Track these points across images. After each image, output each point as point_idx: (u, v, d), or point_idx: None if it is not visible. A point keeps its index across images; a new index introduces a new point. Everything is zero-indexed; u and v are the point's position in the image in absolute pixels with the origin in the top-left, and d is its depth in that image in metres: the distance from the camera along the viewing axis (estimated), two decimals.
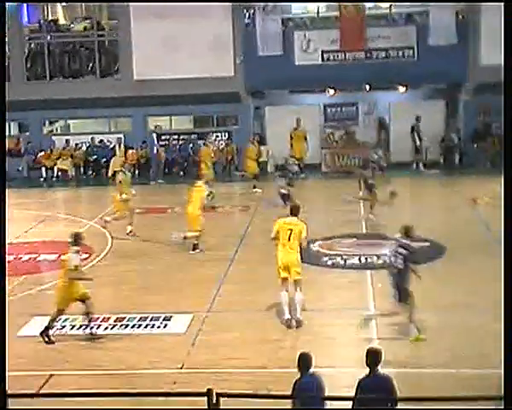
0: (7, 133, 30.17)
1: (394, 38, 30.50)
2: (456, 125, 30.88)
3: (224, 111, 32.07)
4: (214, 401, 8.50)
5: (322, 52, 30.52)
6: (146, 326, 14.45)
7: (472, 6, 30.18)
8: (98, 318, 14.65)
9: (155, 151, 31.21)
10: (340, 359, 12.77)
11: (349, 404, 8.72)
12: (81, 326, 14.36)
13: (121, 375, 12.30)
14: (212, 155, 28.15)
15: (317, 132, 31.42)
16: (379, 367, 9.16)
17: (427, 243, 19.37)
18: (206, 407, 8.54)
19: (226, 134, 32.02)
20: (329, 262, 18.35)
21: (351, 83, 30.55)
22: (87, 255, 19.71)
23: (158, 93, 30.29)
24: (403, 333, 13.52)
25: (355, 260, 18.36)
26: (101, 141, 32.09)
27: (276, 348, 13.24)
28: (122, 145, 31.66)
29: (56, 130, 33.79)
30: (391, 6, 32.08)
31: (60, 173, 31.59)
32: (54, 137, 32.67)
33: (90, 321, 13.93)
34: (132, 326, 14.49)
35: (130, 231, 21.48)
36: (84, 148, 31.95)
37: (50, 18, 35.25)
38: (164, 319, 14.67)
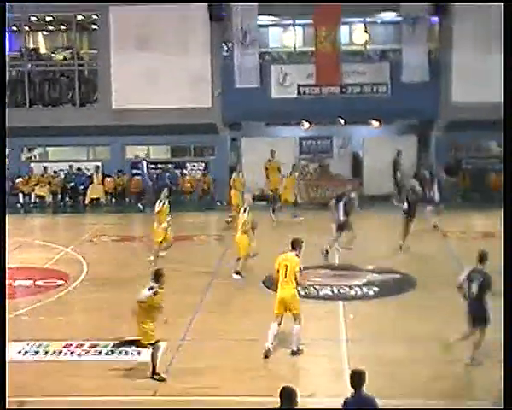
0: None
1: (369, 74, 30.67)
2: (428, 160, 31.01)
3: (201, 141, 32.05)
4: None
5: (299, 86, 30.61)
6: (119, 353, 14.29)
7: (444, 45, 30.42)
8: (72, 344, 14.50)
9: (146, 178, 31.04)
10: (312, 389, 12.66)
11: None
12: (54, 352, 14.18)
13: (95, 402, 12.10)
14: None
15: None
16: (363, 388, 9.16)
17: (397, 275, 19.42)
18: None
19: (203, 164, 31.99)
20: (303, 292, 18.24)
21: (326, 117, 30.65)
22: (62, 282, 19.57)
23: (136, 123, 30.22)
24: (374, 363, 13.47)
25: (328, 291, 18.32)
26: (78, 168, 31.91)
27: (248, 377, 13.11)
28: (100, 173, 31.53)
29: (35, 157, 33.56)
30: (366, 43, 32.37)
31: (37, 200, 31.37)
32: (32, 164, 32.45)
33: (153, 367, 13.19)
34: (106, 353, 14.33)
35: (158, 257, 20.93)
36: (61, 175, 31.76)
37: (31, 46, 35.22)
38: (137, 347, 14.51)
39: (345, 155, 31.87)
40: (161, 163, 32.02)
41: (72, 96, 32.58)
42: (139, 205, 30.25)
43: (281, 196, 27.56)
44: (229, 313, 16.72)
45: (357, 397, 9.12)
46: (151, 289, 13.23)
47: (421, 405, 11.75)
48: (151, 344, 13.13)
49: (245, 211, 19.95)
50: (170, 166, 31.78)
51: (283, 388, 9.01)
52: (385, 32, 33.80)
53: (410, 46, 30.03)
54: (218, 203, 30.73)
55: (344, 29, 31.58)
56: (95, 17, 32.06)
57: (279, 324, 14.26)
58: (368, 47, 32.58)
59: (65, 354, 14.32)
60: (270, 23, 32.93)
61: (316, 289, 18.46)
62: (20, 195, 31.20)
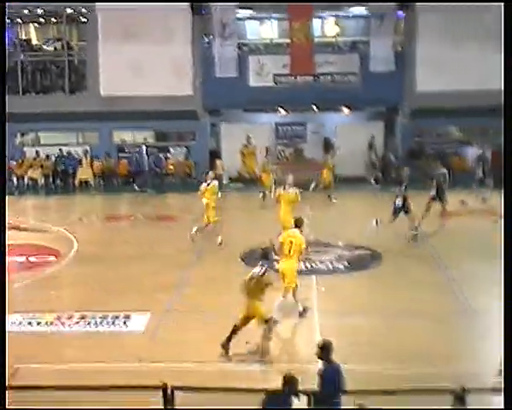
0: None
1: (339, 65, 30.64)
2: (394, 144, 31.11)
3: (183, 127, 31.96)
4: (169, 394, 8.42)
5: (274, 75, 30.55)
6: (107, 324, 14.29)
7: (409, 38, 30.45)
8: (62, 316, 14.50)
9: (145, 162, 30.90)
10: (287, 355, 12.73)
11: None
12: (47, 323, 14.18)
13: (83, 370, 12.10)
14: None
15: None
16: (332, 357, 9.24)
17: (366, 251, 19.52)
18: (162, 400, 8.47)
19: (185, 148, 31.94)
20: (277, 267, 18.25)
21: (300, 104, 30.66)
22: (54, 258, 19.51)
23: (122, 109, 30.06)
24: (344, 332, 13.56)
25: (301, 266, 18.31)
26: (69, 152, 31.75)
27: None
28: (88, 156, 31.44)
29: (27, 141, 33.31)
30: (337, 35, 32.41)
31: (30, 182, 31.18)
32: (25, 148, 32.22)
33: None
34: (94, 324, 14.33)
35: (221, 243, 20.46)
36: (53, 158, 31.59)
37: (24, 38, 34.95)
38: (124, 318, 14.53)
39: (318, 140, 31.90)
40: (147, 147, 31.86)
41: (62, 85, 32.33)
42: (135, 186, 30.24)
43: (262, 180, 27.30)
44: (211, 287, 16.72)
45: (329, 366, 9.16)
46: (262, 266, 12.77)
47: (389, 369, 11.80)
48: (265, 321, 12.63)
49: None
50: (154, 149, 31.68)
51: (285, 375, 8.86)
52: (354, 26, 33.77)
53: (377, 38, 30.04)
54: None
55: (316, 22, 31.51)
56: (84, 11, 31.84)
57: (283, 296, 14.44)
58: (339, 39, 32.64)
59: (56, 324, 14.30)
60: (248, 17, 32.81)
61: None
62: (14, 178, 31.00)
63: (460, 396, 8.30)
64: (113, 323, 14.30)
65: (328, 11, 32.16)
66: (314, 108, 31.36)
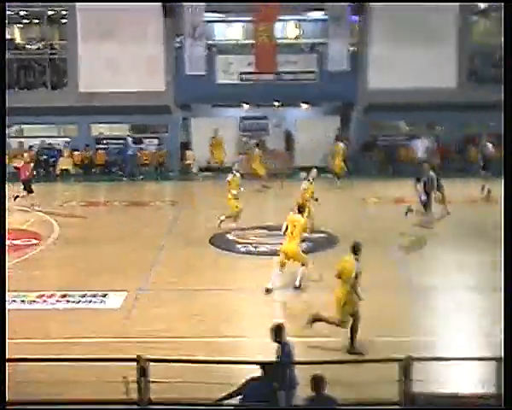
0: None
1: (300, 64, 30.63)
2: (349, 137, 31.22)
3: (156, 121, 31.75)
4: (143, 366, 8.40)
5: (240, 73, 30.46)
6: (86, 302, 14.20)
7: (363, 40, 30.56)
8: (45, 294, 14.39)
9: (131, 153, 30.60)
10: (252, 330, 12.75)
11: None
12: (30, 302, 14.08)
13: (62, 343, 12.00)
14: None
15: (235, 141, 31.38)
16: (284, 339, 9.22)
17: (324, 235, 19.58)
18: (137, 371, 8.44)
19: (158, 140, 31.76)
20: (243, 249, 18.33)
21: (263, 100, 30.63)
22: (37, 241, 19.32)
23: (100, 104, 29.80)
24: (302, 307, 13.63)
25: (264, 248, 18.36)
26: (50, 144, 31.47)
27: (196, 320, 13.12)
28: (69, 148, 31.23)
29: (12, 133, 32.87)
30: (298, 37, 32.46)
31: (14, 170, 30.76)
32: (9, 140, 31.78)
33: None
34: (73, 302, 14.23)
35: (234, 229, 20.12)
36: (35, 149, 31.25)
37: (8, 37, 34.41)
38: (101, 296, 14.45)
39: (279, 133, 31.93)
40: (122, 139, 31.62)
41: (44, 81, 31.97)
42: (120, 173, 30.17)
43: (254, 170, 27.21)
44: (181, 267, 16.69)
45: (283, 345, 9.16)
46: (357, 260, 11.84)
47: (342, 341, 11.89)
48: (352, 315, 11.83)
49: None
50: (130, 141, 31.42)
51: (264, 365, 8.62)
52: (314, 28, 33.77)
53: (334, 40, 30.10)
54: (171, 174, 30.65)
55: (279, 25, 31.51)
56: (64, 12, 31.47)
57: (281, 270, 14.71)
58: (299, 41, 32.69)
59: (38, 302, 14.18)
60: (217, 19, 32.65)
61: (254, 246, 18.50)
62: None
63: (406, 365, 8.38)
64: (92, 301, 14.21)
65: (290, 15, 32.14)
66: (276, 103, 31.35)
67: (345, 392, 9.04)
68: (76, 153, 31.19)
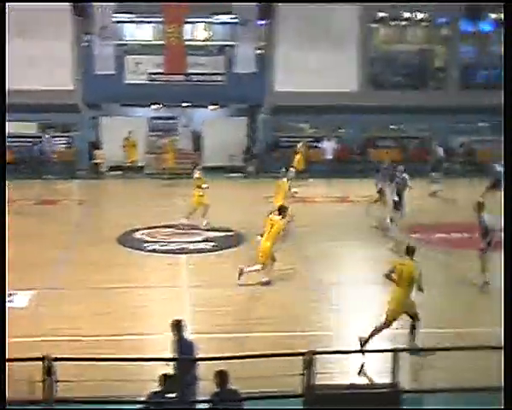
0: None
1: (208, 66, 30.69)
2: (256, 138, 31.51)
3: (65, 119, 31.11)
4: (49, 365, 8.26)
5: (149, 74, 30.23)
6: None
7: (269, 43, 30.94)
8: None
9: (39, 151, 29.81)
10: (158, 326, 12.70)
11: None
12: None
13: None
14: None
15: (144, 140, 31.12)
16: (184, 333, 9.25)
17: (231, 233, 19.70)
18: (43, 370, 8.30)
19: (68, 138, 31.18)
20: (150, 248, 18.23)
21: (172, 100, 30.51)
22: None
23: (11, 102, 28.88)
24: (210, 303, 13.70)
25: (172, 246, 18.34)
26: None
27: (106, 319, 13.01)
28: None
29: None
30: (206, 39, 32.49)
31: None
32: None
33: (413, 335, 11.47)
34: None
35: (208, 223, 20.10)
36: None
37: None
38: (8, 295, 14.06)
39: (188, 133, 31.90)
40: (32, 137, 30.82)
41: None
42: (29, 172, 29.36)
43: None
44: (88, 265, 16.45)
45: (183, 340, 9.19)
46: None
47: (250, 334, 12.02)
48: (411, 317, 11.53)
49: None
50: (39, 139, 30.70)
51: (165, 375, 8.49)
52: (222, 31, 33.86)
53: (242, 43, 30.31)
54: (80, 172, 30.13)
55: (188, 27, 31.45)
56: None
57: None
58: (208, 43, 32.71)
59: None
60: (126, 20, 32.29)
61: (162, 245, 18.44)
62: None
63: (310, 359, 8.56)
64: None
65: (199, 17, 32.12)
66: (185, 104, 31.28)
67: (249, 386, 9.15)
68: None
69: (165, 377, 8.27)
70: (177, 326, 9.25)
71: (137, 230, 19.69)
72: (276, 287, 14.86)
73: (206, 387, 8.64)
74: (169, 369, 8.61)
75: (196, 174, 20.85)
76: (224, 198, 23.78)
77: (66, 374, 8.36)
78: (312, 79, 29.73)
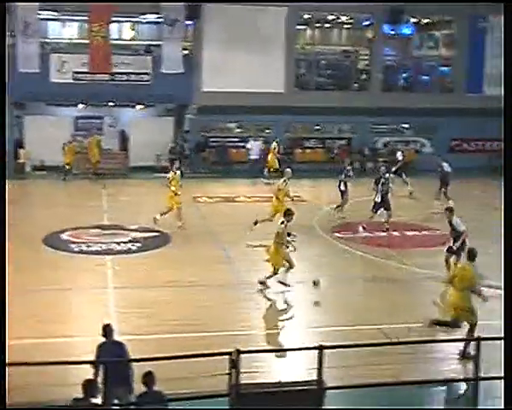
0: None
1: (135, 65, 30.34)
2: (183, 138, 31.39)
3: None
4: None
5: (74, 72, 29.71)
6: None
7: (197, 44, 30.93)
8: None
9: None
10: (83, 329, 12.56)
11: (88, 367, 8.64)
12: None
13: None
14: None
15: (70, 140, 30.56)
16: (113, 337, 9.16)
17: (157, 234, 19.56)
18: None
19: None
20: (76, 249, 17.97)
21: (98, 100, 30.04)
22: None
23: None
24: (135, 305, 13.62)
25: (98, 247, 18.10)
26: None
27: (33, 321, 12.74)
28: None
29: None
30: (133, 38, 32.21)
31: None
32: None
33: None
34: None
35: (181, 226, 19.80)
36: None
37: None
38: None
39: (114, 133, 31.49)
40: None
41: None
42: None
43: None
44: (14, 267, 16.04)
45: (110, 343, 9.12)
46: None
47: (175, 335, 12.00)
48: (470, 324, 11.35)
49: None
50: None
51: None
52: (148, 31, 33.68)
53: (168, 43, 30.11)
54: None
55: (114, 26, 31.11)
56: None
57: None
58: (134, 42, 32.44)
59: None
60: (51, 17, 31.71)
61: (88, 245, 18.19)
62: None
63: (235, 359, 8.62)
64: None
65: (125, 16, 31.83)
66: (111, 103, 30.90)
67: (175, 387, 9.15)
68: None
69: (88, 382, 8.16)
70: (106, 330, 9.15)
71: (64, 231, 19.35)
72: (203, 288, 14.88)
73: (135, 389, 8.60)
74: (94, 373, 8.52)
75: (170, 175, 20.53)
76: (151, 198, 23.60)
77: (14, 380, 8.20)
78: (239, 80, 29.85)
